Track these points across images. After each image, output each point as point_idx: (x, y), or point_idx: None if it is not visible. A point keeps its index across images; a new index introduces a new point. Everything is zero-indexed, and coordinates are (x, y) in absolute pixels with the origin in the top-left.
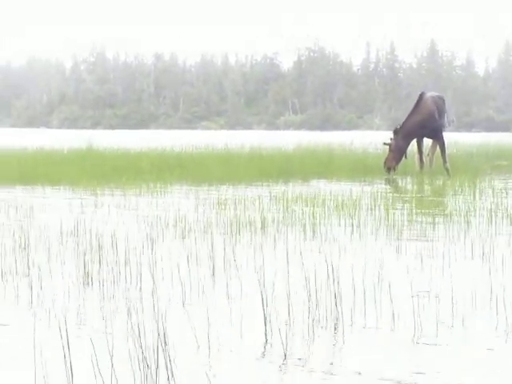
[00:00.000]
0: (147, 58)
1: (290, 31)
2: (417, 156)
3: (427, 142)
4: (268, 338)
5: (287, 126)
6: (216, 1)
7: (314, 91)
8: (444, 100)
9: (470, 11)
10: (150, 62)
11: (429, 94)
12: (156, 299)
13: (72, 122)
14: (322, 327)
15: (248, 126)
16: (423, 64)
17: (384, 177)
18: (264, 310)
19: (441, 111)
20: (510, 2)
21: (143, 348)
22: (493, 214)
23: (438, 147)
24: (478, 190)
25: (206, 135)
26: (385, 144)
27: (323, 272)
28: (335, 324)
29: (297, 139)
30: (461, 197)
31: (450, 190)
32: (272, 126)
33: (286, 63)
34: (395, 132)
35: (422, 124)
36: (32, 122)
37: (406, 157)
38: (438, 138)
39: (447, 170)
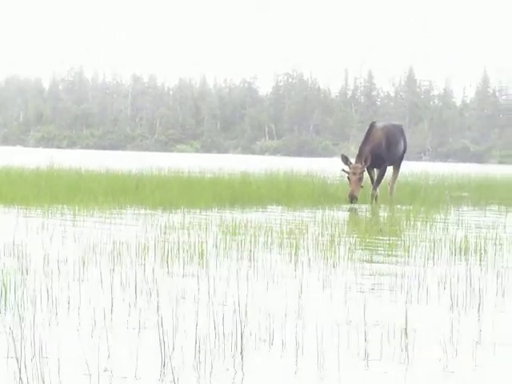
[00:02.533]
0: (125, 79)
1: (268, 55)
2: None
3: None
4: (165, 369)
5: (263, 151)
6: (197, 24)
7: (291, 117)
8: (402, 129)
9: (449, 39)
10: (128, 84)
11: (380, 124)
12: (64, 324)
13: (48, 141)
14: (226, 355)
15: (224, 150)
16: (401, 93)
17: (342, 205)
18: (161, 339)
19: (394, 141)
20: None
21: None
22: (435, 246)
23: (397, 175)
24: (428, 222)
25: (179, 158)
26: (352, 173)
27: (242, 300)
28: (240, 352)
29: (268, 165)
30: (411, 227)
31: (402, 221)
32: (248, 150)
33: (264, 88)
34: (365, 161)
35: (371, 154)
36: (8, 140)
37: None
38: (382, 167)
39: (375, 197)
